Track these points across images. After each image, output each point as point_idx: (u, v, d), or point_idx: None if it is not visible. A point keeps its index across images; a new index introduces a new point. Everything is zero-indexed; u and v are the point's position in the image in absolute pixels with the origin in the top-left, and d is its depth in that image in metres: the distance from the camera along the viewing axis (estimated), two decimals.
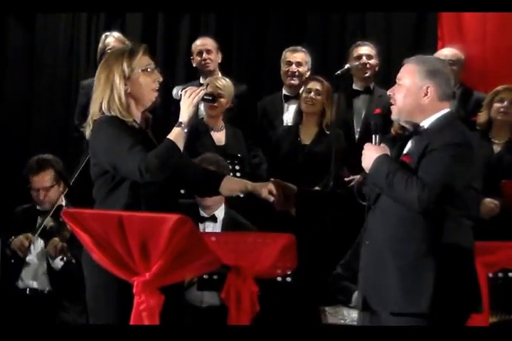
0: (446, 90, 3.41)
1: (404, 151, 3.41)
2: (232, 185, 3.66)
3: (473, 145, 3.32)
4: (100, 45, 6.08)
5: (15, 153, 6.46)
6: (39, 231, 4.92)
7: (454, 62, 5.86)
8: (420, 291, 3.21)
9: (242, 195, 4.96)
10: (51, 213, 4.91)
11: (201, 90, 3.51)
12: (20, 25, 6.96)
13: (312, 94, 5.56)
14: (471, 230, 3.36)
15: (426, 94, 3.37)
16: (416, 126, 3.40)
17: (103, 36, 6.13)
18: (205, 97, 3.55)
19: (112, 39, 6.05)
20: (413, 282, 3.22)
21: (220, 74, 6.07)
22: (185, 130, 3.42)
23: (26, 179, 5.12)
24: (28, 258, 5.01)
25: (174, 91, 3.56)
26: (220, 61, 6.18)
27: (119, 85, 3.45)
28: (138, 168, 3.31)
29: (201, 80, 6.11)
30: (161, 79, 3.55)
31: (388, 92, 3.50)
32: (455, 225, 3.27)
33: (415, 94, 3.38)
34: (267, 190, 3.60)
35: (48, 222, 4.90)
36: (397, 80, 3.48)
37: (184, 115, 3.45)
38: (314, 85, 5.58)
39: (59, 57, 7.00)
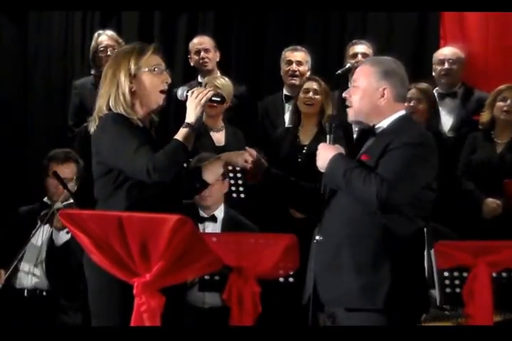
0: (402, 91, 3.42)
1: (362, 151, 3.41)
2: (209, 167, 3.59)
3: (433, 146, 3.34)
4: (93, 43, 6.05)
5: (11, 153, 6.43)
6: (47, 218, 4.87)
7: (454, 61, 5.84)
8: (376, 287, 3.23)
9: (243, 195, 4.94)
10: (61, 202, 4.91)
11: (209, 91, 3.46)
12: (13, 24, 6.92)
13: (311, 93, 5.51)
14: (423, 231, 3.37)
15: (382, 96, 3.38)
16: (371, 127, 3.40)
17: (95, 34, 6.09)
18: (214, 98, 3.49)
19: (105, 37, 6.02)
20: (369, 278, 3.24)
21: (218, 73, 6.04)
22: (193, 131, 3.39)
23: (45, 168, 5.08)
24: (32, 240, 4.95)
25: (179, 92, 3.51)
26: (218, 60, 6.14)
27: (124, 83, 3.42)
28: (146, 168, 3.28)
29: (199, 79, 6.08)
30: (169, 81, 3.51)
31: (344, 95, 3.51)
32: (410, 224, 3.28)
33: (372, 96, 3.38)
34: (242, 158, 3.55)
35: (57, 207, 4.88)
36: (352, 82, 3.49)
37: (191, 116, 3.41)
38: (311, 85, 5.54)
39: (53, 56, 6.96)
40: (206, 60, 6.08)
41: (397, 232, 3.26)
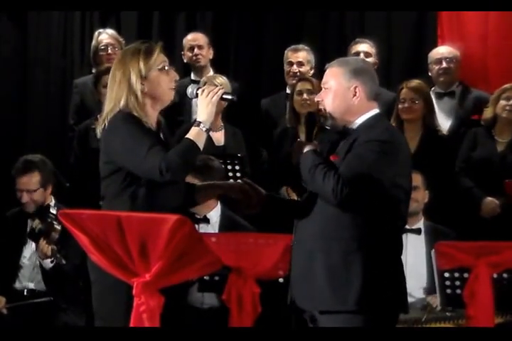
0: (374, 88, 3.40)
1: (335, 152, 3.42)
2: (203, 189, 3.61)
3: (400, 144, 3.33)
4: (93, 42, 6.04)
5: (9, 154, 6.40)
6: (29, 234, 4.87)
7: (451, 59, 5.82)
8: (348, 289, 3.23)
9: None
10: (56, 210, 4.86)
11: (219, 89, 3.45)
12: (13, 24, 6.90)
13: (305, 95, 5.48)
14: (398, 229, 3.38)
15: (354, 95, 3.36)
16: (346, 127, 3.39)
17: (96, 33, 6.09)
18: (224, 96, 3.47)
19: (105, 36, 6.02)
20: (341, 280, 3.24)
21: (211, 71, 6.02)
22: (205, 129, 3.37)
23: (14, 179, 5.03)
24: (21, 261, 4.97)
25: (189, 90, 3.50)
26: (211, 57, 6.11)
27: (136, 85, 3.40)
28: (158, 167, 3.28)
29: (192, 76, 6.07)
30: (177, 78, 3.52)
31: (316, 99, 3.52)
32: (381, 224, 3.27)
33: (344, 96, 3.36)
34: (239, 189, 3.54)
35: (37, 224, 4.84)
36: (322, 85, 3.46)
37: (203, 114, 3.39)
38: (304, 86, 5.50)
39: (53, 56, 6.94)
40: (199, 56, 6.05)
41: (368, 232, 3.25)
